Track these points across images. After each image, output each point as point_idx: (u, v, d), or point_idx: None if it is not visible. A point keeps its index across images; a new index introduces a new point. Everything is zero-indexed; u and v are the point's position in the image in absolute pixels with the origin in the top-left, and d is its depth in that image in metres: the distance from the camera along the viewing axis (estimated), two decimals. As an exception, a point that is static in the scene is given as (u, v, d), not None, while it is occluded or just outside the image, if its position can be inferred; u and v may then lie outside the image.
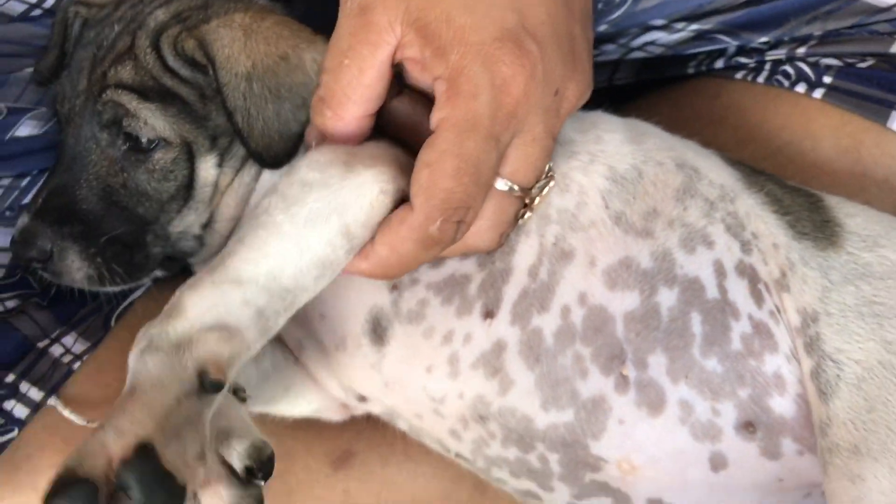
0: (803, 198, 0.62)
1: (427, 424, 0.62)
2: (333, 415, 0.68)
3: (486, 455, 0.61)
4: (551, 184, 0.58)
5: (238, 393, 0.56)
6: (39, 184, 0.72)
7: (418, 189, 0.51)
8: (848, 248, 0.58)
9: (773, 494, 0.59)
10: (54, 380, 0.66)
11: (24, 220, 0.62)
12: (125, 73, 0.61)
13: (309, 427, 0.67)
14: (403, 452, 0.71)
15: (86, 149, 0.62)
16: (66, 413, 0.65)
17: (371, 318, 0.60)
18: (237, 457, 0.51)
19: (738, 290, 0.58)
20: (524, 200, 0.57)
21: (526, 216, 0.58)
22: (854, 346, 0.55)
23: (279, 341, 0.65)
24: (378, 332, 0.60)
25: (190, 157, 0.62)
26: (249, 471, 0.50)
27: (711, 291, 0.58)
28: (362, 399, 0.64)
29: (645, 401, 0.57)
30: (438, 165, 0.50)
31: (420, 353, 0.59)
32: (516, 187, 0.55)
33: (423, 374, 0.59)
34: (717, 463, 0.57)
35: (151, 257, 0.64)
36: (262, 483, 0.51)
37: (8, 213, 0.71)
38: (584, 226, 0.58)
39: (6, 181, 0.71)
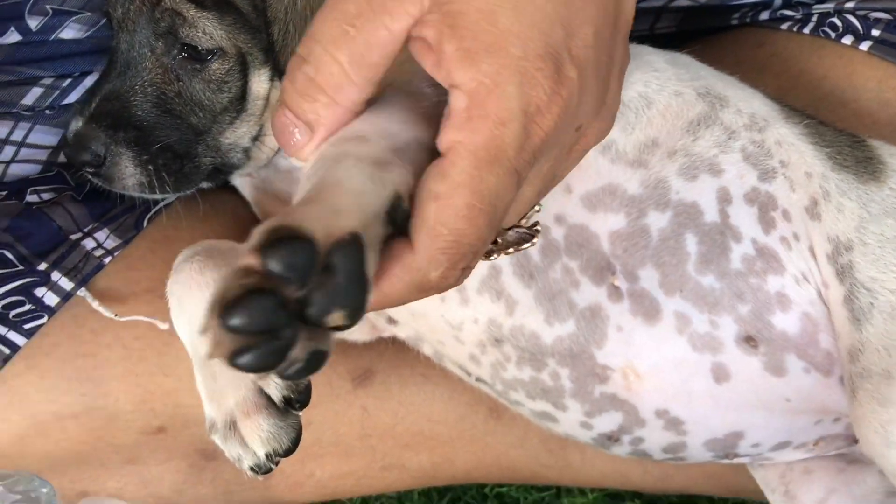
0: (846, 136, 0.62)
1: (449, 350, 0.63)
2: (362, 335, 0.68)
3: (503, 378, 0.61)
4: (535, 240, 0.51)
5: None
6: (83, 86, 0.73)
7: (421, 226, 0.40)
8: (890, 184, 0.58)
9: (782, 416, 0.59)
10: (85, 271, 0.67)
11: (77, 123, 0.63)
12: None
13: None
14: (423, 374, 0.72)
15: (140, 55, 0.62)
16: (96, 305, 0.66)
17: None
18: (275, 387, 0.51)
19: (744, 216, 0.58)
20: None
21: (492, 258, 0.50)
22: (890, 276, 0.55)
23: None
24: None
25: (244, 69, 0.62)
26: (287, 400, 0.51)
27: (711, 215, 0.57)
28: (392, 321, 0.65)
29: (640, 310, 0.57)
30: (449, 201, 0.40)
31: None
32: None
33: (440, 304, 0.60)
34: (720, 375, 0.57)
35: (201, 168, 0.64)
36: (300, 413, 0.51)
37: (48, 112, 0.72)
38: None
39: (48, 80, 0.72)
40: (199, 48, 0.61)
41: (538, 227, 0.50)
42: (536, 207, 0.48)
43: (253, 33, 0.62)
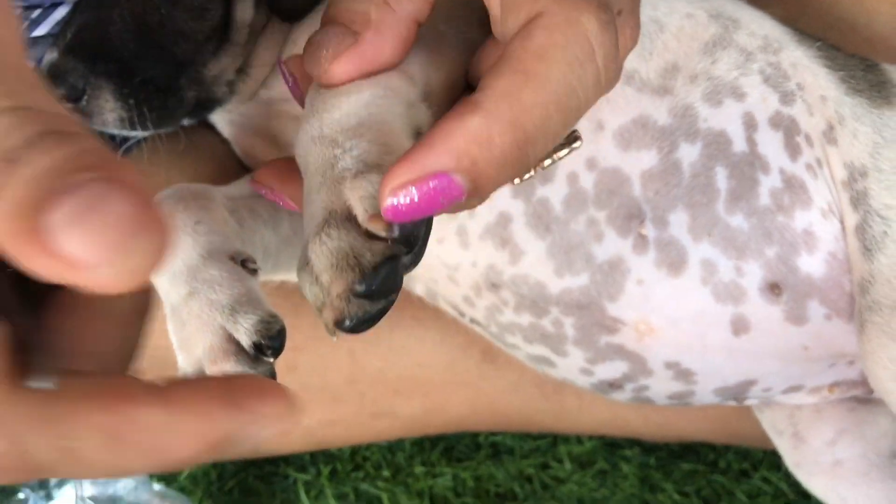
0: (858, 59, 0.58)
1: (442, 289, 0.60)
2: None
3: (498, 321, 0.59)
4: (576, 144, 0.42)
5: (246, 264, 0.53)
6: (53, 17, 0.69)
7: (503, 90, 0.31)
8: None
9: (796, 363, 0.56)
10: None
11: (52, 55, 0.58)
12: None
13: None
14: (413, 317, 0.69)
15: None
16: None
17: None
18: (244, 332, 0.47)
19: (770, 143, 0.55)
20: None
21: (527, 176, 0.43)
22: None
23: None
24: None
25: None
26: (258, 347, 0.47)
27: (739, 144, 0.54)
28: None
29: (665, 260, 0.54)
30: (544, 65, 0.32)
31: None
32: None
33: (436, 245, 0.57)
34: (739, 326, 0.55)
35: (184, 102, 0.60)
36: (272, 360, 0.48)
37: (17, 45, 0.68)
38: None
39: (15, 12, 0.68)
40: None
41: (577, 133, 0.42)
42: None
43: None
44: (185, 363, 0.50)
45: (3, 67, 0.27)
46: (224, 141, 0.67)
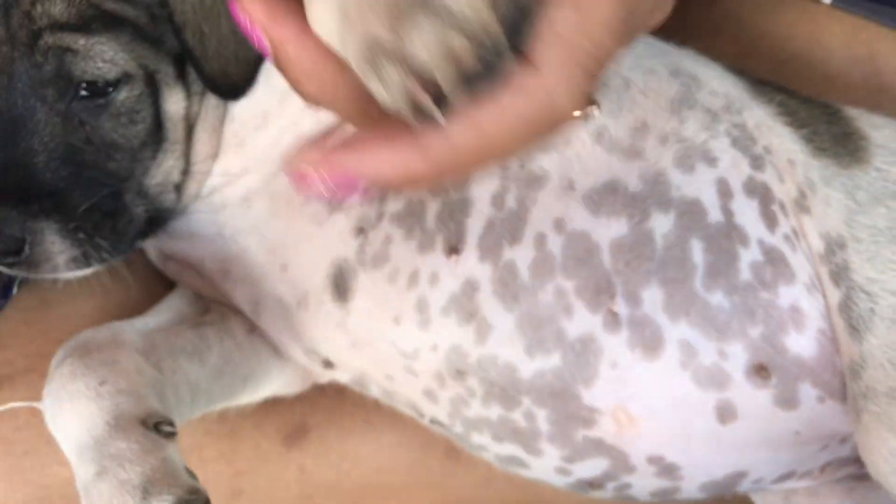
0: (819, 109, 0.54)
1: (399, 386, 0.54)
2: (292, 387, 0.60)
3: (465, 417, 0.53)
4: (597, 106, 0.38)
5: (160, 427, 0.46)
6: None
7: (557, 35, 0.32)
8: (876, 163, 0.51)
9: (787, 450, 0.52)
10: None
11: None
12: (56, 7, 0.49)
13: (257, 404, 0.59)
14: (365, 421, 0.63)
15: (28, 110, 0.51)
16: None
17: (333, 272, 0.52)
18: None
19: (747, 212, 0.51)
20: None
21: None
22: (889, 275, 0.49)
23: (227, 330, 0.56)
24: (341, 287, 0.52)
25: (154, 92, 0.52)
26: None
27: (714, 214, 0.50)
28: (328, 365, 0.56)
29: (639, 341, 0.49)
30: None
31: (386, 302, 0.51)
32: None
33: (392, 327, 0.52)
34: (725, 414, 0.50)
35: (134, 220, 0.54)
36: None
37: None
38: (558, 145, 0.51)
39: None
40: (100, 81, 0.50)
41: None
42: None
43: (156, 46, 0.51)
44: None
45: None
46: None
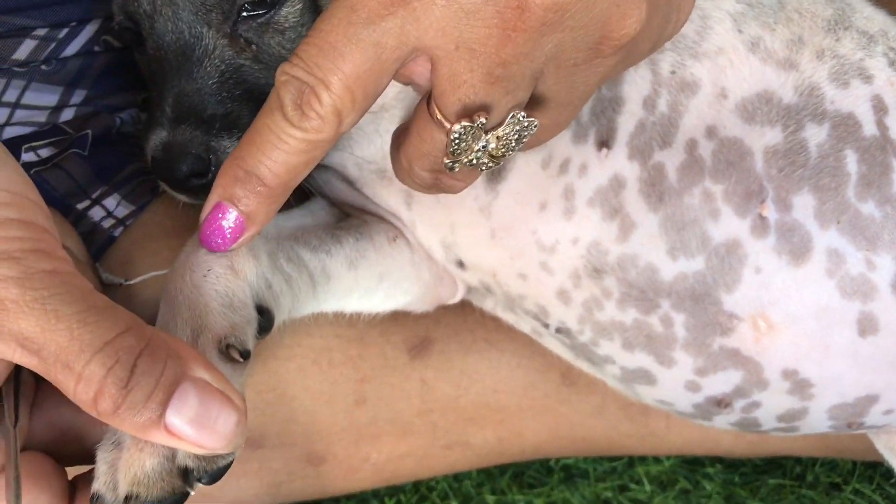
0: None
1: (531, 287, 0.54)
2: (424, 305, 0.60)
3: (596, 321, 0.53)
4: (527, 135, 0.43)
5: (230, 351, 0.45)
6: (84, 35, 0.64)
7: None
8: None
9: None
10: (94, 247, 0.58)
11: (160, 134, 0.52)
12: None
13: (384, 314, 0.60)
14: (486, 340, 0.64)
15: (196, 36, 0.53)
16: (104, 276, 0.57)
17: None
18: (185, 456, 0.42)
19: None
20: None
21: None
22: None
23: (365, 233, 0.58)
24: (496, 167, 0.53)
25: (315, 5, 0.54)
26: (187, 471, 0.42)
27: (869, 128, 0.50)
28: (461, 266, 0.57)
29: (787, 247, 0.49)
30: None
31: (536, 186, 0.52)
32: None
33: (536, 213, 0.52)
34: (866, 326, 0.50)
35: None
36: (192, 488, 0.42)
37: (44, 67, 0.63)
38: (710, 53, 0.51)
39: (41, 31, 0.63)
40: None
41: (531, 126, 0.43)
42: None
43: None
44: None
45: (87, 308, 0.37)
46: None
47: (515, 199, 0.53)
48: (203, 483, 0.42)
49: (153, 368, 0.38)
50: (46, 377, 0.37)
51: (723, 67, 0.51)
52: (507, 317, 0.59)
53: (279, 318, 0.50)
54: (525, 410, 0.66)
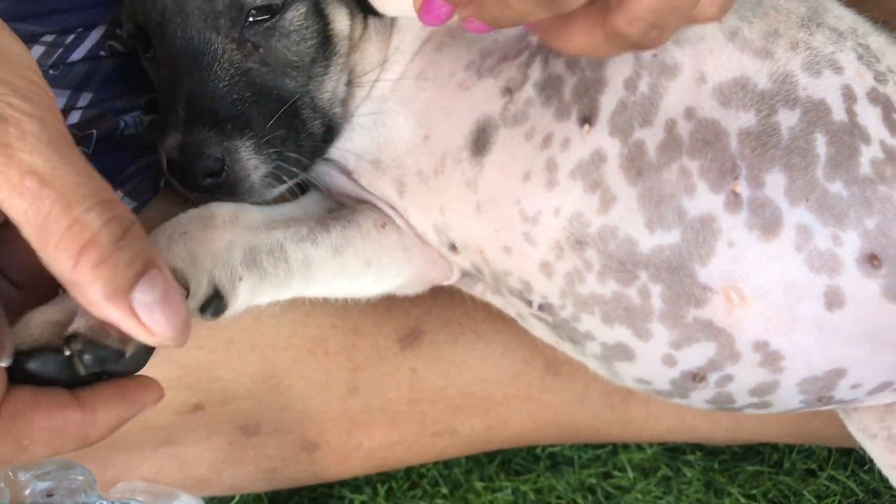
0: None
1: (515, 260, 0.56)
2: (415, 288, 0.63)
3: (578, 295, 0.55)
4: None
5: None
6: (90, 40, 0.67)
7: None
8: None
9: (890, 350, 0.54)
10: None
11: (175, 137, 0.55)
12: None
13: (377, 303, 0.63)
14: (473, 331, 0.67)
15: (205, 41, 0.56)
16: None
17: (477, 128, 0.56)
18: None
19: (870, 116, 0.53)
20: None
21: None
22: None
23: (354, 222, 0.61)
24: (481, 141, 0.56)
25: (319, 10, 0.57)
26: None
27: (838, 114, 0.53)
28: (453, 249, 0.60)
29: (758, 222, 0.52)
30: None
31: (519, 158, 0.55)
32: None
33: (520, 183, 0.55)
34: (833, 300, 0.52)
35: (313, 133, 0.58)
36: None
37: (52, 72, 0.66)
38: (691, 40, 0.54)
39: (49, 37, 0.66)
40: (269, 3, 0.55)
41: None
42: None
43: None
44: None
45: (81, 173, 0.38)
46: None
47: (500, 170, 0.55)
48: (84, 363, 0.42)
49: (137, 242, 0.39)
50: (31, 221, 0.37)
51: (703, 54, 0.54)
52: (496, 301, 0.62)
53: (235, 305, 0.54)
54: (511, 399, 0.69)
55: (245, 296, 0.54)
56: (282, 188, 0.58)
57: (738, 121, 0.53)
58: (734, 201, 0.52)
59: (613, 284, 0.54)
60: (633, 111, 0.53)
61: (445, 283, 0.63)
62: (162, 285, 0.39)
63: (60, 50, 0.66)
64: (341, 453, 0.69)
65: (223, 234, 0.53)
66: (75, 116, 0.67)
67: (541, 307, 0.57)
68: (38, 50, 0.65)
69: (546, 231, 0.55)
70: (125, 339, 0.42)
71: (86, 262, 0.37)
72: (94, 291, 0.38)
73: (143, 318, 0.39)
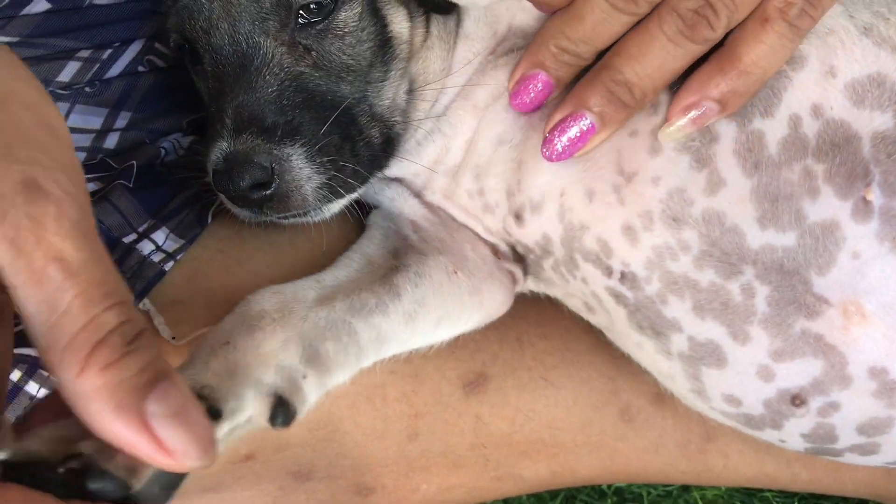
0: None
1: (596, 211, 0.51)
2: (484, 322, 0.59)
3: (667, 271, 0.50)
4: None
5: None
6: (126, 56, 0.62)
7: None
8: None
9: None
10: (143, 282, 0.57)
11: (222, 146, 0.50)
12: None
13: (441, 347, 0.58)
14: (543, 377, 0.62)
15: (254, 45, 0.51)
16: (158, 322, 0.56)
17: None
18: None
19: None
20: None
21: None
22: None
23: (424, 273, 0.56)
24: None
25: (375, 10, 0.53)
26: None
27: None
28: (520, 219, 0.54)
29: (890, 234, 0.47)
30: None
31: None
32: None
33: (625, 137, 0.50)
34: None
35: (372, 143, 0.53)
36: None
37: (88, 90, 0.61)
38: (819, 32, 0.49)
39: (85, 53, 0.61)
40: (320, 2, 0.51)
41: None
42: None
43: None
44: None
45: (106, 269, 0.35)
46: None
47: None
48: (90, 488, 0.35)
49: (149, 349, 0.34)
50: (44, 316, 0.33)
51: (833, 47, 0.49)
52: (562, 285, 0.56)
53: (305, 407, 0.49)
54: (580, 446, 0.64)
55: (315, 393, 0.49)
56: (339, 204, 0.53)
57: (873, 122, 0.47)
58: (864, 209, 0.47)
59: (712, 274, 0.49)
60: (753, 98, 0.48)
61: (503, 311, 0.58)
62: (177, 398, 0.34)
63: (97, 66, 0.61)
64: (398, 497, 0.65)
65: (273, 336, 0.48)
66: (113, 139, 0.62)
67: (622, 276, 0.51)
68: (74, 66, 0.60)
69: (639, 196, 0.50)
70: (132, 467, 0.35)
71: (94, 365, 0.33)
72: (101, 400, 0.33)
73: (158, 432, 0.33)
